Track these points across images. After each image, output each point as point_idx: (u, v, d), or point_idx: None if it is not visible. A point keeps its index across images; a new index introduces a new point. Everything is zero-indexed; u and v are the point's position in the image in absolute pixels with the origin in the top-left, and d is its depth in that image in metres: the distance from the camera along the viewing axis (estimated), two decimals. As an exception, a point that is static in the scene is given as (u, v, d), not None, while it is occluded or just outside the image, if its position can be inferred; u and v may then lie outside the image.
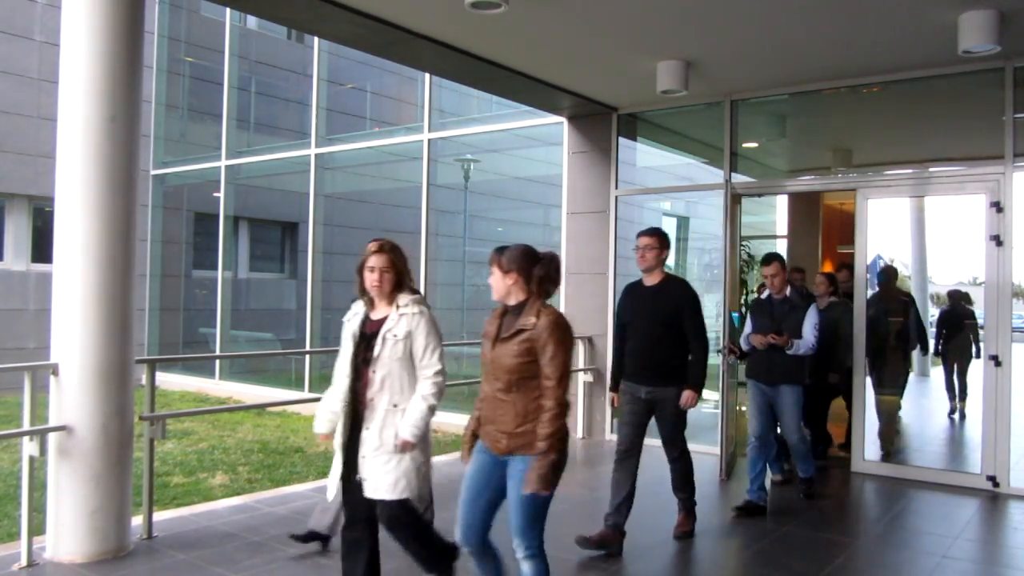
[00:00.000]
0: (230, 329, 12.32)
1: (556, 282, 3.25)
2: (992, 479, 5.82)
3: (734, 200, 6.98)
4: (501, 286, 3.22)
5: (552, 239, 8.74)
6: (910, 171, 6.74)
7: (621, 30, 5.51)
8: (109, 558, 4.11)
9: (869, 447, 6.49)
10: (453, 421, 9.08)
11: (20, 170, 11.86)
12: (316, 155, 10.98)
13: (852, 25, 5.28)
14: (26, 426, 4.02)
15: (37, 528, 4.13)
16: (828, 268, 10.99)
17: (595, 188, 7.87)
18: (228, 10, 11.84)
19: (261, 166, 12.29)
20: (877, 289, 6.96)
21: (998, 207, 5.85)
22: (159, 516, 4.81)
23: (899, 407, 7.13)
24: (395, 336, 3.29)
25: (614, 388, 4.72)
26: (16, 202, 12.23)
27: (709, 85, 6.69)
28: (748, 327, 5.42)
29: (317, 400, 3.78)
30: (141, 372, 4.62)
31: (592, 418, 7.83)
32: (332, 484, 3.34)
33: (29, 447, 3.99)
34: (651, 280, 4.50)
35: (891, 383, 7.05)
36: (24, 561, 3.97)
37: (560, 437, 2.96)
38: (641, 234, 4.49)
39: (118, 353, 4.22)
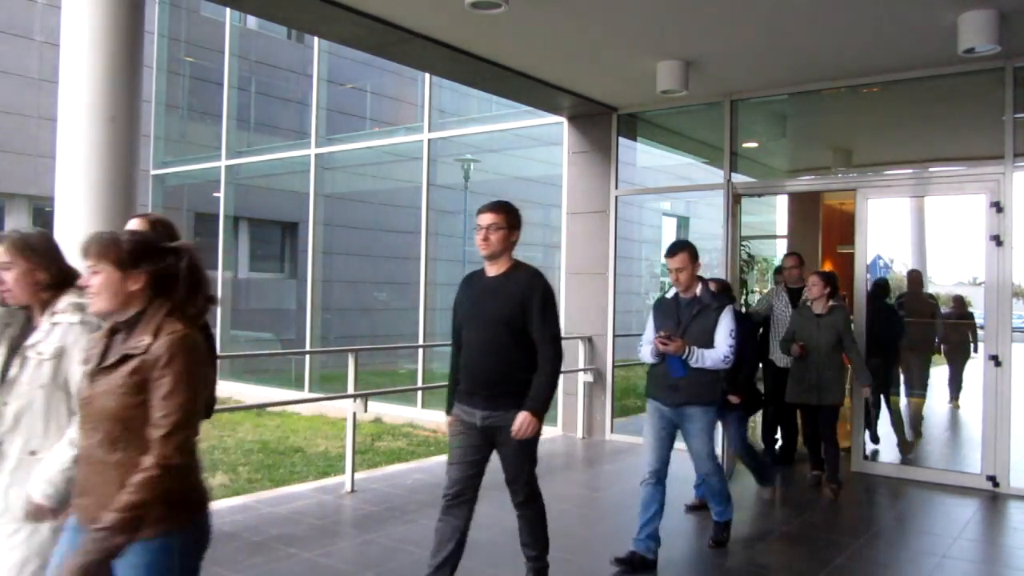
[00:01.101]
0: (230, 329, 12.32)
1: (195, 287, 2.08)
2: (992, 479, 5.82)
3: (735, 200, 6.99)
4: (118, 290, 2.03)
5: (552, 239, 8.74)
6: (910, 171, 6.74)
7: (621, 30, 5.51)
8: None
9: (891, 450, 6.54)
10: (453, 421, 9.08)
11: (20, 170, 11.86)
12: (316, 155, 10.98)
13: (852, 25, 5.28)
14: (26, 426, 4.01)
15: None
16: (828, 267, 11.00)
17: (595, 188, 7.87)
18: (228, 10, 11.83)
19: (261, 166, 12.30)
20: (906, 292, 7.06)
21: (998, 207, 5.85)
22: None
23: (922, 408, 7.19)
24: (39, 354, 2.37)
25: (449, 410, 3.60)
26: (16, 202, 12.23)
27: (709, 85, 6.69)
28: (649, 331, 4.35)
29: (317, 400, 3.79)
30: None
31: (592, 418, 7.83)
32: None
33: (29, 447, 3.97)
34: (495, 269, 3.46)
35: (919, 385, 7.10)
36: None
37: (160, 517, 1.91)
38: (482, 210, 3.43)
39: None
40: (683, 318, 4.24)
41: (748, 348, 5.27)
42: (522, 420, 3.33)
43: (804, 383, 5.72)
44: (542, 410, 3.39)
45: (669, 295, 4.37)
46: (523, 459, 3.47)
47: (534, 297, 3.37)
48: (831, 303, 5.75)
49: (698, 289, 4.27)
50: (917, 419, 7.19)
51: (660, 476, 4.27)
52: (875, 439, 6.80)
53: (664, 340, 4.11)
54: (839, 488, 5.68)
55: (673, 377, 4.17)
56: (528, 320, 3.37)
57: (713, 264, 7.18)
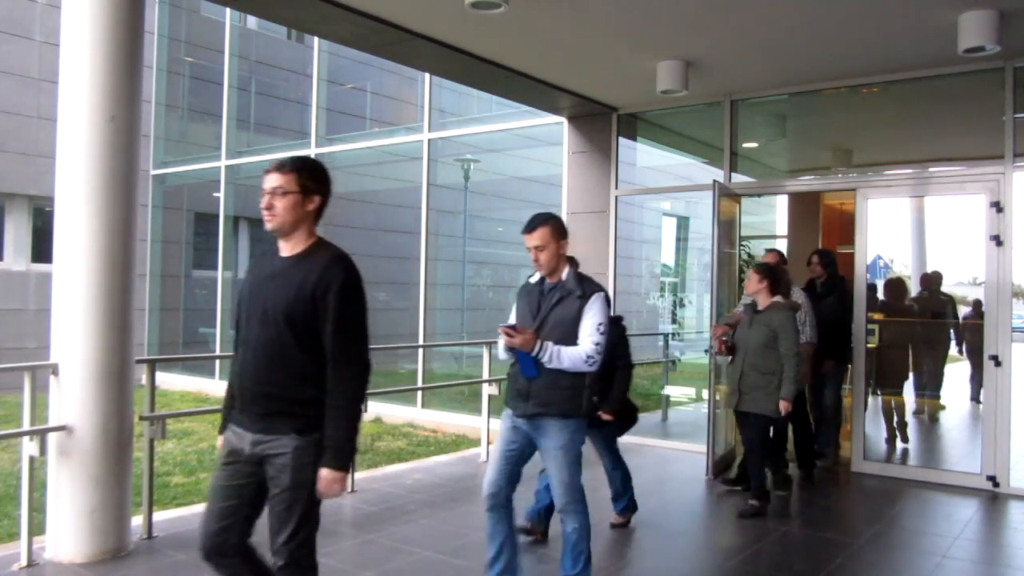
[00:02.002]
0: (230, 329, 12.32)
1: None
2: (992, 479, 5.82)
3: (733, 200, 6.99)
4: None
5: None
6: (910, 171, 6.74)
7: (621, 30, 5.51)
8: (109, 558, 4.11)
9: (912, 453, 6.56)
10: (453, 421, 9.09)
11: (20, 170, 11.86)
12: (316, 155, 10.98)
13: (852, 25, 5.28)
14: (26, 426, 4.02)
15: (37, 528, 4.13)
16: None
17: (595, 188, 7.87)
18: (228, 10, 11.84)
19: (261, 166, 12.22)
20: (920, 293, 7.07)
21: (998, 207, 5.85)
22: (159, 516, 4.81)
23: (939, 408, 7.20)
24: None
25: (222, 430, 2.73)
26: (16, 202, 12.23)
27: (709, 85, 6.69)
28: (513, 320, 3.57)
29: None
30: (141, 372, 4.62)
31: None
32: None
33: (29, 447, 3.99)
34: (287, 248, 2.60)
35: (933, 386, 7.10)
36: (24, 561, 3.97)
37: None
38: (268, 169, 2.59)
39: (118, 353, 4.22)
40: (543, 307, 3.44)
41: (624, 354, 4.53)
42: (324, 483, 2.46)
43: (731, 387, 5.29)
44: (347, 461, 2.50)
45: (534, 279, 3.56)
46: (293, 513, 2.49)
47: (330, 289, 2.46)
48: (773, 299, 5.21)
49: (564, 273, 3.47)
50: (929, 418, 7.19)
51: (499, 499, 3.47)
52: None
53: (509, 331, 3.30)
54: (762, 507, 5.17)
55: (524, 379, 3.39)
56: (319, 319, 2.48)
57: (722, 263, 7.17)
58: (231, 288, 12.53)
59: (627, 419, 4.80)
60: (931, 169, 6.57)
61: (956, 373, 7.10)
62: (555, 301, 3.42)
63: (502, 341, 3.40)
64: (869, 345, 6.55)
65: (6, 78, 11.85)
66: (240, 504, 2.56)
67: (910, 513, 5.46)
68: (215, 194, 12.20)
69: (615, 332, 4.28)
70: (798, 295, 6.05)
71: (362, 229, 12.58)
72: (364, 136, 11.96)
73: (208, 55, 13.21)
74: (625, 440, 7.50)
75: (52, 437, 4.07)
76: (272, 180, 2.55)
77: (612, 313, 3.79)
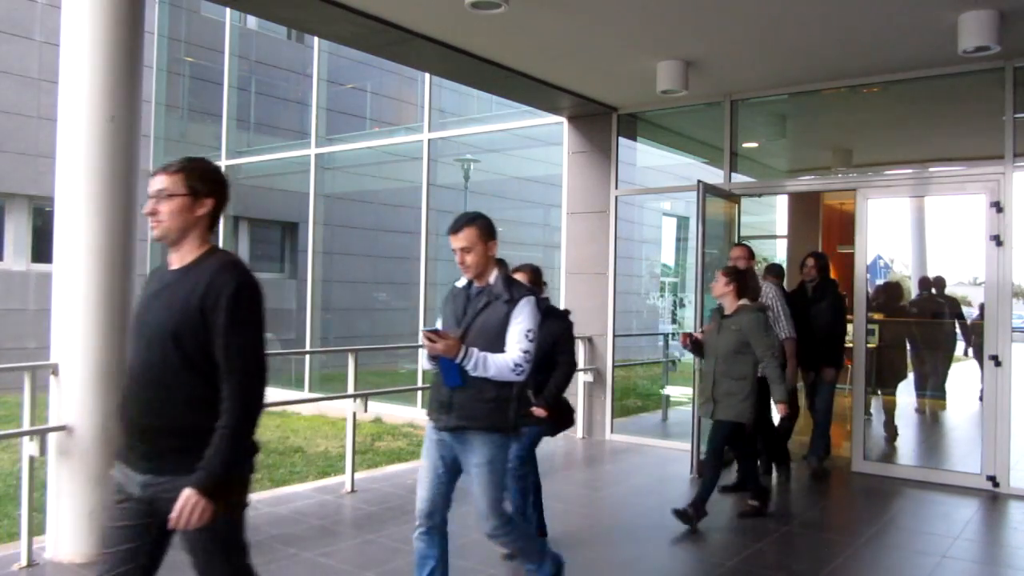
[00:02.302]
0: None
1: None
2: (992, 479, 5.82)
3: (732, 200, 7.00)
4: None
5: (552, 239, 8.74)
6: (910, 171, 6.74)
7: (621, 30, 5.51)
8: (109, 558, 4.11)
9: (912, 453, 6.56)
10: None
11: (20, 170, 11.86)
12: (316, 155, 10.98)
13: (852, 25, 5.28)
14: (26, 426, 4.02)
15: (37, 528, 4.13)
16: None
17: (595, 188, 7.88)
18: (228, 10, 11.83)
19: (261, 166, 12.30)
20: (920, 294, 7.06)
21: (998, 207, 5.85)
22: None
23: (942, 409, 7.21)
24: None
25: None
26: (16, 202, 12.23)
27: (709, 85, 6.69)
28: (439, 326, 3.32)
29: (317, 400, 3.71)
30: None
31: (592, 418, 7.83)
32: None
33: (29, 447, 3.99)
34: (177, 259, 2.32)
35: (935, 386, 7.10)
36: (24, 561, 3.97)
37: None
38: (154, 172, 2.33)
39: (118, 353, 4.21)
40: (468, 312, 3.23)
41: (567, 350, 4.31)
42: (184, 503, 2.12)
43: (704, 396, 5.06)
44: (220, 484, 2.15)
45: (460, 283, 3.33)
46: (211, 557, 2.29)
47: (220, 299, 2.18)
48: (740, 302, 4.96)
49: (492, 276, 3.23)
50: (931, 419, 7.19)
51: (435, 520, 3.25)
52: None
53: (432, 335, 3.04)
54: (762, 506, 5.12)
55: (447, 389, 3.14)
56: (212, 336, 2.18)
57: (714, 264, 7.17)
58: (231, 288, 12.52)
59: (561, 420, 4.44)
60: (931, 169, 6.57)
61: (956, 373, 7.11)
62: (481, 306, 3.19)
63: (425, 348, 3.11)
64: (869, 345, 6.56)
65: (6, 78, 11.85)
66: (137, 548, 2.28)
67: (910, 513, 5.46)
68: (215, 194, 12.19)
69: (561, 327, 4.22)
70: (768, 288, 6.00)
71: (362, 229, 12.59)
72: (364, 136, 11.96)
73: (208, 55, 13.20)
74: (626, 440, 7.49)
75: (52, 437, 4.07)
76: (157, 183, 2.28)
77: (545, 317, 3.74)
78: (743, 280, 5.05)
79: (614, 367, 7.79)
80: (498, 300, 3.18)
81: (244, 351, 2.23)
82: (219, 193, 2.39)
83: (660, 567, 4.42)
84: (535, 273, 4.32)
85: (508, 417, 3.17)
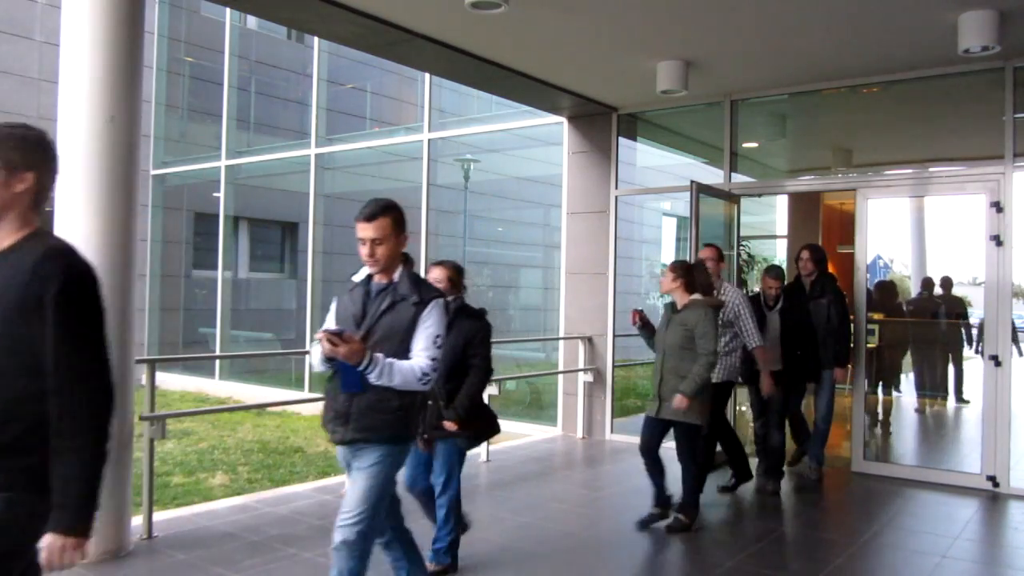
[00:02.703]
0: (230, 329, 12.32)
1: None
2: (992, 479, 5.82)
3: (732, 200, 7.00)
4: None
5: (552, 239, 8.74)
6: (910, 171, 6.74)
7: (621, 30, 5.51)
8: (109, 558, 4.11)
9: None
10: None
11: (20, 170, 11.84)
12: (316, 155, 10.98)
13: (852, 25, 5.28)
14: (26, 426, 4.01)
15: (37, 528, 4.13)
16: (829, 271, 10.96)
17: (595, 188, 7.88)
18: (228, 10, 11.84)
19: (261, 166, 12.30)
20: (921, 294, 7.03)
21: (998, 207, 5.85)
22: (159, 516, 4.81)
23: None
24: None
25: None
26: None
27: (709, 85, 6.69)
28: (329, 324, 2.99)
29: (317, 400, 3.69)
30: (141, 372, 4.62)
31: (592, 418, 7.83)
32: None
33: (29, 447, 3.98)
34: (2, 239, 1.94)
35: (939, 386, 7.10)
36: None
37: None
38: None
39: (118, 353, 4.19)
40: (370, 312, 2.89)
41: (481, 353, 3.86)
42: (50, 548, 1.80)
43: (652, 392, 4.89)
44: (86, 520, 1.84)
45: (358, 277, 2.99)
46: None
47: (47, 292, 1.81)
48: (692, 297, 4.76)
49: (396, 273, 2.91)
50: (932, 418, 7.19)
51: (394, 534, 3.08)
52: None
53: (333, 338, 2.67)
54: (689, 522, 4.82)
55: (343, 395, 2.83)
56: (38, 334, 1.82)
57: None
58: (231, 288, 12.54)
59: (481, 430, 3.99)
60: (931, 169, 6.57)
61: (968, 373, 7.10)
62: (385, 306, 2.87)
63: (318, 349, 2.77)
64: (869, 345, 6.56)
65: (6, 78, 11.85)
66: None
67: (910, 513, 5.46)
68: (215, 194, 12.20)
69: (475, 327, 3.84)
70: (732, 293, 5.54)
71: (362, 229, 12.57)
72: (364, 136, 11.96)
73: (208, 55, 13.21)
74: (626, 440, 7.48)
75: (52, 437, 4.07)
76: None
77: (458, 316, 3.68)
78: (692, 275, 4.83)
79: (614, 367, 7.79)
80: (405, 301, 2.86)
81: (80, 353, 1.84)
82: (43, 166, 1.99)
83: (660, 567, 4.42)
84: (456, 271, 3.93)
85: (410, 427, 2.89)
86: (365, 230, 2.83)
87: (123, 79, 4.24)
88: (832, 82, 6.57)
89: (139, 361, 4.53)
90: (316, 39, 10.75)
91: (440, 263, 3.91)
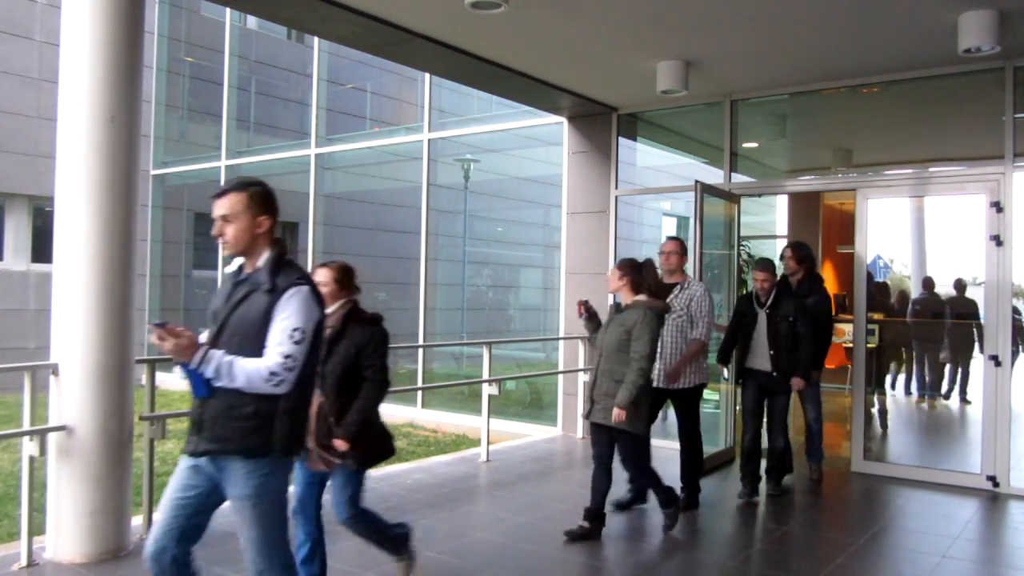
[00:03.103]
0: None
1: None
2: (992, 479, 5.82)
3: (732, 200, 7.00)
4: None
5: (552, 239, 8.74)
6: (910, 171, 6.74)
7: (621, 30, 5.51)
8: (109, 558, 4.11)
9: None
10: (453, 421, 9.10)
11: (20, 170, 11.86)
12: (316, 155, 10.98)
13: (852, 25, 5.28)
14: (26, 426, 4.02)
15: (37, 528, 4.13)
16: (829, 271, 10.96)
17: (595, 188, 7.87)
18: (228, 10, 11.84)
19: (261, 166, 12.29)
20: (922, 294, 7.01)
21: (998, 207, 5.85)
22: (159, 516, 4.81)
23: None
24: None
25: None
26: (16, 202, 12.23)
27: (709, 85, 6.69)
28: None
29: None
30: (141, 372, 4.62)
31: (592, 418, 7.82)
32: None
33: (29, 447, 3.98)
34: None
35: (935, 386, 7.10)
36: (24, 561, 3.97)
37: None
38: None
39: (118, 353, 4.22)
40: (229, 303, 2.62)
41: (376, 364, 3.40)
42: None
43: (586, 393, 4.71)
44: None
45: (232, 267, 2.76)
46: None
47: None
48: (636, 297, 4.53)
49: (262, 259, 2.62)
50: (932, 418, 7.19)
51: (164, 564, 2.62)
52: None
53: (162, 332, 2.41)
54: (597, 528, 4.61)
55: (197, 400, 2.56)
56: None
57: (714, 264, 7.18)
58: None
59: (373, 451, 3.50)
60: (931, 169, 6.57)
61: (960, 374, 7.09)
62: (241, 296, 2.58)
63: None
64: (869, 345, 6.56)
65: (6, 78, 11.85)
66: None
67: (910, 513, 5.45)
68: (215, 194, 12.20)
69: (367, 335, 3.38)
70: (695, 287, 5.34)
71: (362, 229, 12.59)
72: (364, 136, 11.96)
73: (208, 55, 13.21)
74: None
75: (52, 437, 4.07)
76: None
77: (349, 323, 3.30)
78: (639, 273, 4.57)
79: (614, 367, 7.78)
80: (259, 290, 2.54)
81: None
82: None
83: (660, 567, 4.41)
84: (343, 272, 3.48)
85: (273, 437, 2.50)
86: (215, 207, 2.59)
87: (123, 79, 4.24)
88: (832, 82, 6.57)
89: (139, 361, 4.52)
90: (316, 39, 10.75)
91: (325, 264, 3.49)
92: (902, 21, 5.18)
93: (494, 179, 11.11)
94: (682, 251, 5.47)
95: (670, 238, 5.65)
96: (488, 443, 6.75)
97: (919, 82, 6.28)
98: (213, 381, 2.45)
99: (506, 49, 6.10)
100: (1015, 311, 6.09)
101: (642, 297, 4.52)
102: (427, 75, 9.33)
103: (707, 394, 5.99)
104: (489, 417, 6.77)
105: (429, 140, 9.63)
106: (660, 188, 9.12)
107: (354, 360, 3.34)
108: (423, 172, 9.57)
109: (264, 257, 2.62)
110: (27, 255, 12.33)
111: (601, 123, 7.83)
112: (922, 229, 7.39)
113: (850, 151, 8.17)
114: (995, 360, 5.82)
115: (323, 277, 3.39)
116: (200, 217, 13.20)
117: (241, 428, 2.48)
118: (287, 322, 2.48)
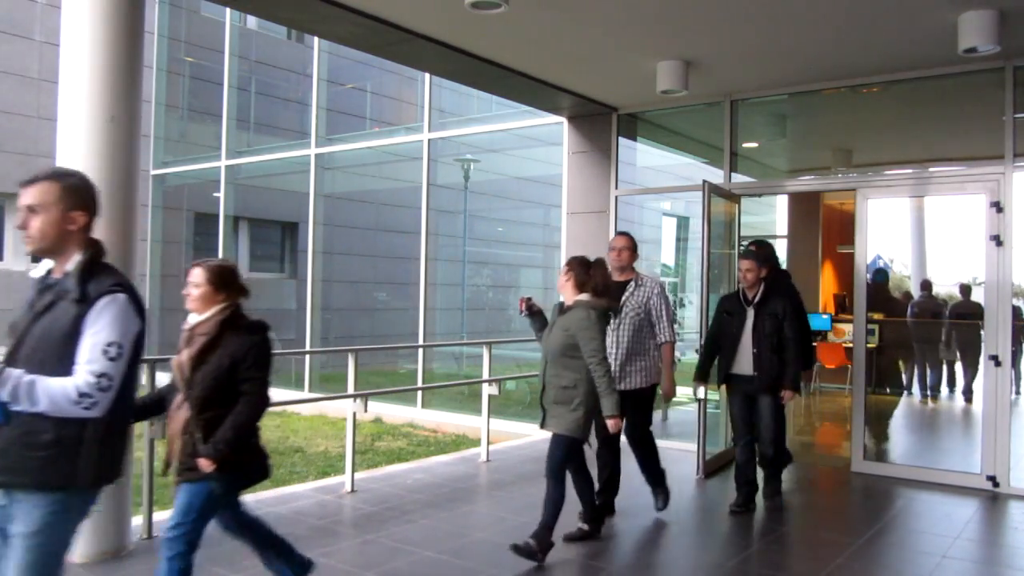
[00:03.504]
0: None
1: None
2: (992, 479, 5.82)
3: (732, 200, 7.00)
4: None
5: (552, 239, 8.74)
6: (910, 171, 6.74)
7: (621, 30, 5.51)
8: (109, 558, 4.11)
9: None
10: (453, 421, 9.10)
11: (20, 170, 11.83)
12: (316, 155, 10.99)
13: (852, 25, 5.28)
14: (26, 426, 4.01)
15: (37, 528, 4.13)
16: (829, 271, 10.95)
17: (595, 188, 7.87)
18: (228, 10, 11.84)
19: (261, 166, 12.30)
20: (922, 295, 7.00)
21: (998, 207, 5.85)
22: (159, 516, 4.80)
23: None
24: None
25: None
26: (16, 202, 12.23)
27: (709, 85, 6.69)
28: None
29: (317, 400, 3.63)
30: (141, 372, 4.62)
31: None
32: None
33: (29, 447, 3.98)
34: None
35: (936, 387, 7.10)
36: (24, 561, 3.97)
37: None
38: None
39: (118, 353, 4.21)
40: (31, 314, 2.29)
41: (254, 377, 3.01)
42: None
43: (540, 403, 4.43)
44: None
45: (39, 271, 2.43)
46: None
47: None
48: (577, 297, 4.26)
49: (71, 263, 2.27)
50: (933, 419, 7.19)
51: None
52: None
53: None
54: (595, 529, 4.56)
55: None
56: None
57: (714, 264, 7.18)
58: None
59: (244, 472, 3.10)
60: (931, 169, 6.57)
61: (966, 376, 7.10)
62: (44, 306, 2.24)
63: None
64: (869, 345, 6.56)
65: (6, 78, 11.85)
66: None
67: (910, 513, 5.45)
68: (215, 194, 12.21)
69: (245, 345, 2.98)
70: (649, 283, 5.07)
71: (362, 229, 12.60)
72: (364, 136, 11.96)
73: (208, 55, 13.21)
74: (625, 440, 7.50)
75: (52, 437, 4.07)
76: None
77: (226, 331, 2.95)
78: (586, 272, 4.29)
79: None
80: (65, 299, 2.21)
81: None
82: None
83: (660, 567, 4.41)
84: (218, 273, 3.09)
85: (77, 468, 2.17)
86: (22, 196, 2.26)
87: (123, 79, 4.24)
88: (832, 82, 6.57)
89: (139, 361, 4.52)
90: (316, 39, 10.75)
91: (199, 263, 3.11)
92: (902, 21, 5.18)
93: (494, 179, 11.12)
94: (633, 247, 5.11)
95: (620, 233, 5.27)
96: (488, 443, 6.76)
97: (919, 82, 6.28)
98: (10, 405, 2.06)
99: (506, 49, 6.10)
100: (1016, 311, 6.09)
101: (584, 296, 4.24)
102: (427, 75, 9.33)
103: (707, 394, 6.00)
104: (489, 417, 6.78)
105: (429, 140, 9.63)
106: (660, 188, 9.12)
107: (227, 372, 2.95)
108: (423, 172, 9.58)
109: (74, 260, 2.26)
110: (27, 255, 12.33)
111: (601, 123, 7.83)
112: (922, 229, 7.40)
113: (850, 151, 8.17)
114: (995, 360, 5.82)
115: (195, 278, 3.06)
116: (200, 217, 13.21)
117: (38, 458, 2.13)
118: (100, 336, 2.16)
